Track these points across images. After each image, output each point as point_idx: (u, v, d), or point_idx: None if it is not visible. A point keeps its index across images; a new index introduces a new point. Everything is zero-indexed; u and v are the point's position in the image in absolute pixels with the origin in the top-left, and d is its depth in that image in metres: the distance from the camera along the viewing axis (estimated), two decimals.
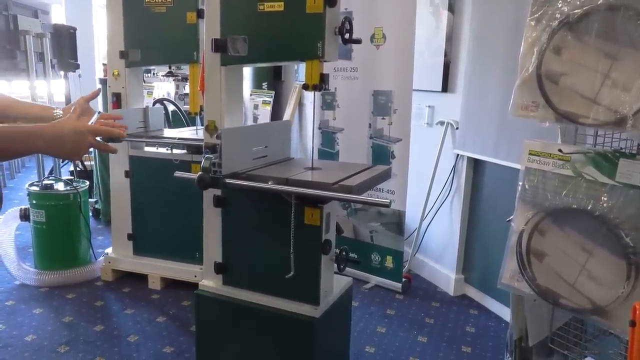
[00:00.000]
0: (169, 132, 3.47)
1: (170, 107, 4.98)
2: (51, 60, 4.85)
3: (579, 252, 1.48)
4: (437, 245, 3.55)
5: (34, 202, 3.39)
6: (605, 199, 1.43)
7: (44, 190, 3.39)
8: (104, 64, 7.25)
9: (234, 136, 1.80)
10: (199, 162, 3.16)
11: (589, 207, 1.45)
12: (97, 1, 8.49)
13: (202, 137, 3.12)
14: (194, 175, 1.81)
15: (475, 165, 3.22)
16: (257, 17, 1.81)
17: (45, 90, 4.67)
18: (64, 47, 5.09)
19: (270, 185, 1.71)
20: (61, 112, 1.81)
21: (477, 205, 3.24)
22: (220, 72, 1.91)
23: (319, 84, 1.78)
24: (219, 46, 1.88)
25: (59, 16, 7.93)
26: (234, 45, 1.87)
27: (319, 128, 3.69)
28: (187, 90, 7.63)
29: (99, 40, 8.78)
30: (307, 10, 1.73)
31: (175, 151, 3.30)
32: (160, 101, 4.77)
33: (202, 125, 3.44)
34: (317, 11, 1.71)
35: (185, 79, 6.28)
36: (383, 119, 3.34)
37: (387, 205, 1.55)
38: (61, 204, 3.41)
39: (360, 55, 3.36)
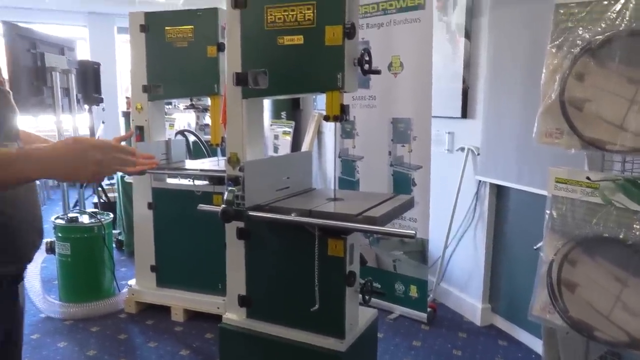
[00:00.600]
0: (190, 164, 3.51)
1: (191, 138, 5.06)
2: (76, 95, 4.99)
3: (612, 283, 1.43)
4: (462, 274, 3.48)
5: (60, 234, 3.44)
6: (638, 227, 1.38)
7: (69, 223, 3.44)
8: (127, 97, 7.46)
9: (256, 168, 1.81)
10: (221, 193, 3.22)
11: (620, 236, 1.41)
12: (120, 37, 8.76)
13: (224, 168, 3.17)
14: (217, 208, 1.81)
15: (499, 192, 3.17)
16: (276, 50, 1.83)
17: (70, 124, 4.79)
18: (89, 82, 5.24)
19: (293, 217, 1.70)
20: None
21: (502, 232, 3.18)
22: (241, 105, 1.93)
23: (340, 114, 1.79)
24: (240, 80, 1.90)
25: (84, 52, 8.17)
26: (255, 79, 1.90)
27: (339, 156, 3.69)
28: (207, 120, 7.78)
29: (121, 73, 9.03)
30: (326, 42, 1.75)
31: (197, 182, 3.33)
32: (182, 132, 4.85)
33: (223, 156, 3.48)
34: (337, 44, 1.73)
35: (205, 109, 6.40)
36: (403, 146, 3.34)
37: (413, 237, 1.52)
38: (86, 237, 3.46)
39: (378, 83, 3.38)
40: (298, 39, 1.79)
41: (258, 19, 1.84)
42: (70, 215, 3.51)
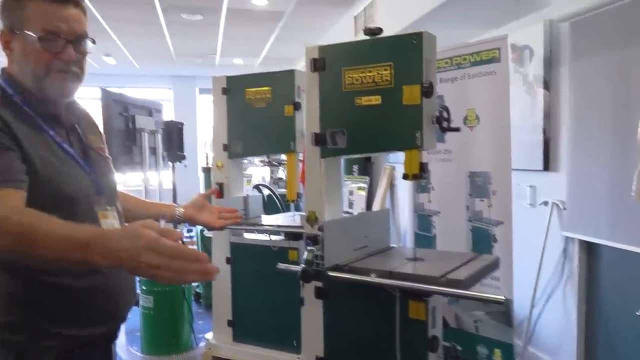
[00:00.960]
0: (267, 219, 3.58)
1: (266, 191, 5.19)
2: (161, 152, 5.33)
3: None
4: (551, 338, 3.23)
5: (144, 287, 3.58)
6: None
7: None
8: (206, 153, 7.87)
9: (335, 228, 1.81)
10: (296, 249, 3.23)
11: None
12: (201, 97, 9.35)
13: (300, 224, 3.20)
14: (296, 268, 1.82)
15: (589, 249, 2.96)
16: (354, 110, 1.86)
17: (156, 180, 5.10)
18: (173, 140, 5.59)
19: (373, 278, 1.67)
20: (182, 208, 1.95)
21: (596, 294, 2.94)
22: (320, 164, 1.96)
23: (419, 173, 1.77)
24: (318, 140, 1.94)
25: (168, 111, 8.78)
26: (333, 138, 1.93)
27: (415, 211, 3.63)
28: (280, 174, 7.99)
29: (201, 131, 9.58)
30: (403, 102, 1.76)
31: (273, 237, 3.38)
32: (258, 187, 5.00)
33: (298, 211, 3.53)
34: (414, 103, 1.74)
35: (279, 164, 6.59)
36: (482, 200, 3.22)
37: (501, 302, 1.44)
38: (167, 290, 3.58)
39: (454, 136, 3.32)
40: (376, 99, 1.82)
41: (336, 81, 1.89)
42: None
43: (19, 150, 1.20)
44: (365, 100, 1.84)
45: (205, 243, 4.92)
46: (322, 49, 1.93)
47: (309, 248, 1.80)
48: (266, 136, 3.42)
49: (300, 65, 7.72)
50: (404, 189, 5.75)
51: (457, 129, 1.80)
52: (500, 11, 3.37)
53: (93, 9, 4.89)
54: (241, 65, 7.86)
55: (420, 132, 1.73)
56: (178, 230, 1.16)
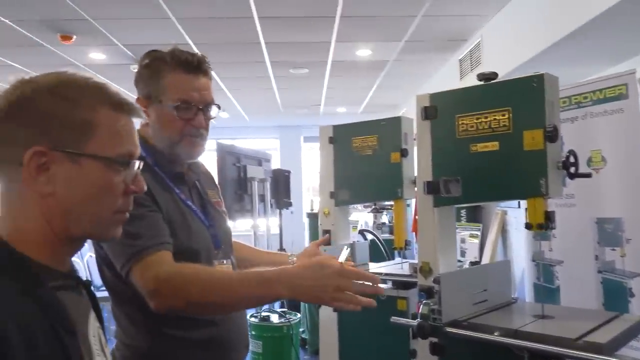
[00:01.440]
0: (374, 267, 3.53)
1: (369, 236, 5.15)
2: (270, 199, 5.53)
3: None
4: None
5: (253, 332, 3.66)
6: None
7: (262, 322, 3.65)
8: (312, 200, 8.04)
9: (453, 281, 1.72)
10: (405, 298, 3.13)
11: None
12: (305, 145, 9.68)
13: (408, 272, 3.10)
14: (411, 322, 1.74)
15: None
16: (469, 157, 1.79)
17: (264, 226, 5.28)
18: (280, 188, 5.79)
19: (496, 337, 1.54)
20: (295, 258, 1.90)
21: None
22: (433, 213, 1.90)
23: (545, 222, 1.64)
24: (431, 188, 1.89)
25: (275, 160, 9.17)
26: (447, 187, 1.87)
27: (533, 260, 3.37)
28: (383, 219, 7.89)
29: (306, 177, 9.85)
30: (525, 147, 1.66)
31: (380, 285, 3.31)
32: (362, 232, 4.98)
33: (404, 258, 3.43)
34: (537, 148, 1.63)
35: (382, 209, 6.52)
36: (613, 250, 2.91)
37: None
38: (276, 336, 3.62)
39: (576, 180, 3.07)
40: (493, 145, 1.74)
41: (449, 128, 1.84)
42: (263, 314, 3.73)
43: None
44: (481, 147, 1.76)
45: None
46: (433, 96, 1.91)
47: (424, 302, 1.73)
48: (373, 183, 3.42)
49: (403, 111, 7.72)
50: (518, 235, 5.39)
51: (588, 175, 1.66)
52: (621, 46, 3.14)
53: (212, 72, 5.32)
54: (344, 113, 8.05)
55: (545, 179, 1.61)
56: None
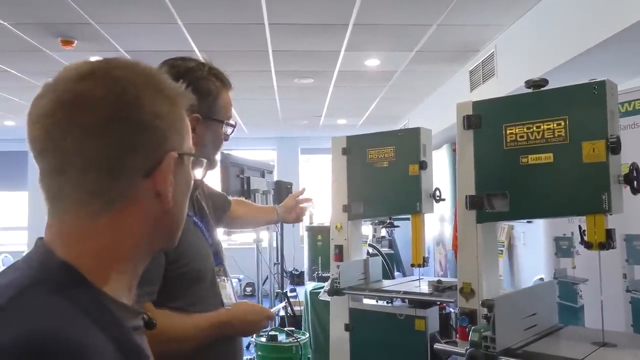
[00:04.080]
0: (388, 284, 3.38)
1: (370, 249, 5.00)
2: None
3: None
4: None
5: (259, 353, 3.48)
6: None
7: (269, 342, 3.47)
8: (311, 213, 7.88)
9: (506, 305, 1.57)
10: (423, 318, 2.98)
11: None
12: (302, 157, 9.54)
13: (426, 290, 2.96)
14: (459, 350, 1.59)
15: None
16: (519, 170, 1.67)
17: (266, 238, 5.13)
18: (282, 200, 5.63)
19: None
20: (281, 212, 2.16)
21: None
22: (475, 229, 1.76)
23: (606, 241, 1.51)
24: (474, 203, 1.76)
25: (275, 173, 9.02)
26: (491, 202, 1.73)
27: (555, 278, 3.24)
28: (382, 233, 7.75)
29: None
30: (584, 159, 1.54)
31: (395, 304, 3.16)
32: (373, 246, 4.83)
33: (418, 276, 3.28)
34: (599, 160, 1.51)
35: (381, 223, 6.38)
36: None
37: None
38: (285, 357, 3.44)
39: None
40: (547, 157, 1.61)
41: (495, 138, 1.72)
42: (271, 333, 3.55)
43: None
44: (532, 159, 1.64)
45: (315, 304, 4.75)
46: (478, 104, 1.78)
47: (474, 328, 1.58)
48: (390, 197, 3.28)
49: (404, 123, 7.62)
50: (526, 251, 5.27)
51: None
52: None
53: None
54: (344, 125, 7.94)
55: (608, 194, 1.49)
56: None
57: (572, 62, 3.23)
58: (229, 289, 1.45)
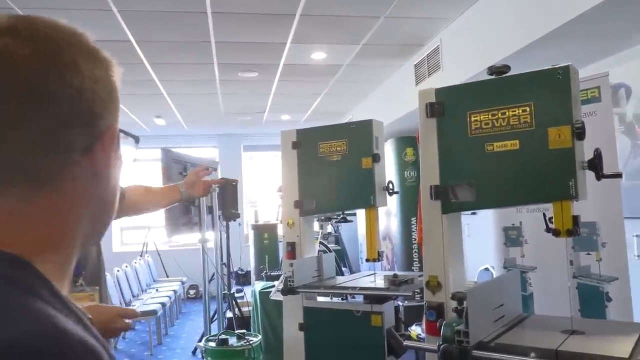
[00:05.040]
0: (342, 279, 3.30)
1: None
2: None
3: None
4: None
5: (209, 359, 3.31)
6: None
7: (220, 347, 3.31)
8: (256, 211, 7.70)
9: (478, 298, 1.53)
10: (379, 313, 2.93)
11: None
12: (245, 154, 9.34)
13: (382, 285, 2.91)
14: (430, 346, 1.53)
15: None
16: (484, 158, 1.63)
17: (212, 239, 4.92)
18: (228, 199, 5.44)
19: (535, 359, 1.36)
20: (185, 189, 2.07)
21: None
22: (441, 221, 1.71)
23: (573, 228, 1.50)
24: (439, 193, 1.71)
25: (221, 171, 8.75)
26: (456, 192, 1.68)
27: (504, 267, 3.29)
28: (329, 229, 7.70)
29: (247, 189, 9.50)
30: (550, 146, 1.51)
31: (350, 300, 3.09)
32: (322, 243, 4.75)
33: (370, 271, 3.24)
34: (565, 146, 1.49)
35: (327, 219, 6.33)
36: (588, 254, 2.88)
37: None
38: None
39: None
40: (513, 144, 1.58)
41: (459, 126, 1.67)
42: (221, 337, 3.39)
43: None
44: (498, 146, 1.60)
45: (265, 303, 4.63)
46: (440, 91, 1.73)
47: (446, 322, 1.52)
48: (343, 191, 3.21)
49: (348, 119, 7.60)
50: (470, 241, 5.38)
51: (618, 175, 1.53)
52: (591, 50, 3.15)
53: (152, 73, 4.91)
54: (288, 121, 7.82)
55: (574, 180, 1.47)
56: None
57: (517, 55, 3.29)
58: (89, 302, 1.37)
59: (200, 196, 2.27)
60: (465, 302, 1.48)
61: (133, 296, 6.29)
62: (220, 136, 9.12)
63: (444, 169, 1.70)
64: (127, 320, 1.30)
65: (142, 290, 6.86)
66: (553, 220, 1.51)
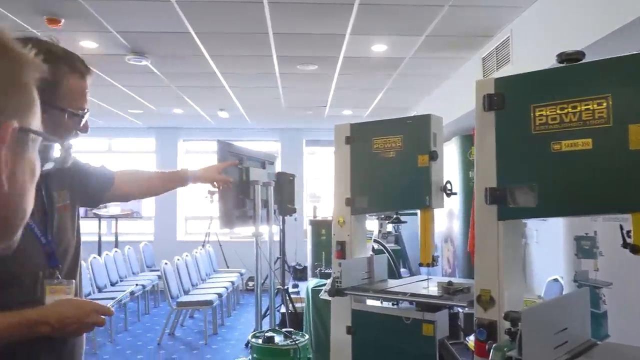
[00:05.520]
0: (393, 283, 3.13)
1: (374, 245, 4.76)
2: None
3: None
4: None
5: (255, 355, 3.25)
6: None
7: (265, 344, 3.25)
8: (314, 206, 7.64)
9: (535, 320, 1.32)
10: (431, 322, 2.74)
11: None
12: (307, 149, 9.30)
13: (436, 292, 2.71)
14: None
15: None
16: (549, 158, 1.41)
17: (267, 234, 4.89)
18: (284, 193, 5.39)
19: None
20: (196, 173, 1.98)
21: None
22: (497, 228, 1.51)
23: None
24: (495, 197, 1.51)
25: (278, 165, 8.79)
26: (515, 196, 1.48)
27: (575, 281, 2.98)
28: (389, 228, 7.50)
29: (307, 184, 9.46)
30: (631, 146, 1.28)
31: (401, 305, 2.92)
32: (378, 242, 4.60)
33: (426, 275, 3.04)
34: None
35: (388, 217, 6.14)
36: None
37: None
38: None
39: None
40: (584, 144, 1.36)
41: (521, 121, 1.46)
42: (267, 334, 3.33)
43: None
44: (567, 145, 1.38)
45: (317, 302, 4.52)
46: (500, 81, 1.53)
47: (496, 346, 1.33)
48: (397, 190, 3.03)
49: (413, 114, 7.35)
50: (540, 250, 5.01)
51: None
52: None
53: (213, 65, 4.94)
54: (350, 115, 7.67)
55: None
56: None
57: (595, 47, 2.96)
58: (65, 295, 1.30)
59: (208, 181, 2.14)
60: (519, 324, 1.28)
61: (192, 285, 6.42)
62: (282, 130, 9.13)
63: (502, 169, 1.50)
64: (102, 317, 1.27)
65: (202, 280, 7.00)
66: (632, 234, 1.28)
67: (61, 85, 1.24)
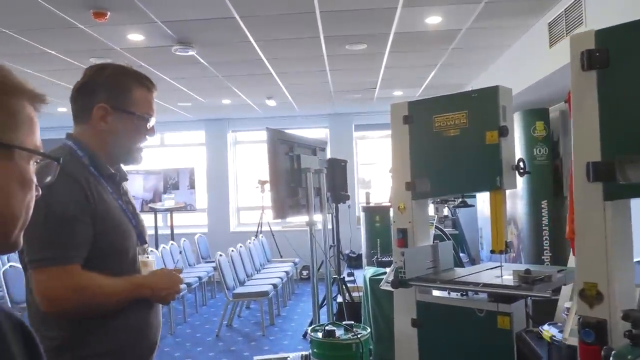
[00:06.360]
0: (462, 272, 2.90)
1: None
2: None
3: None
4: None
5: (315, 350, 3.12)
6: None
7: (326, 339, 3.10)
8: (367, 192, 7.42)
9: None
10: (507, 314, 2.49)
11: None
12: (356, 133, 9.07)
13: (511, 282, 2.46)
14: None
15: None
16: None
17: (320, 223, 4.73)
18: (337, 180, 5.21)
19: None
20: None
21: None
22: (603, 210, 1.27)
23: None
24: (600, 172, 1.26)
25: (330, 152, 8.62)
26: (627, 170, 1.22)
27: None
28: (445, 212, 7.19)
29: (359, 169, 9.25)
30: None
31: (471, 296, 2.68)
32: (438, 228, 4.36)
33: (499, 262, 2.78)
34: None
35: (445, 200, 5.84)
36: None
37: None
38: (343, 355, 3.06)
39: None
40: None
41: (630, 81, 1.20)
42: (327, 328, 3.18)
43: (89, 210, 1.40)
44: None
45: (375, 290, 4.32)
46: (603, 34, 1.27)
47: (616, 353, 1.09)
48: (462, 171, 2.77)
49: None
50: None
51: None
52: None
53: (259, 51, 4.80)
54: (401, 97, 7.37)
55: None
56: None
57: None
58: (152, 267, 1.59)
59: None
60: None
61: (247, 276, 6.39)
62: (330, 116, 8.95)
63: (608, 139, 1.25)
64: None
65: (256, 270, 6.96)
66: None
67: (131, 95, 1.53)
